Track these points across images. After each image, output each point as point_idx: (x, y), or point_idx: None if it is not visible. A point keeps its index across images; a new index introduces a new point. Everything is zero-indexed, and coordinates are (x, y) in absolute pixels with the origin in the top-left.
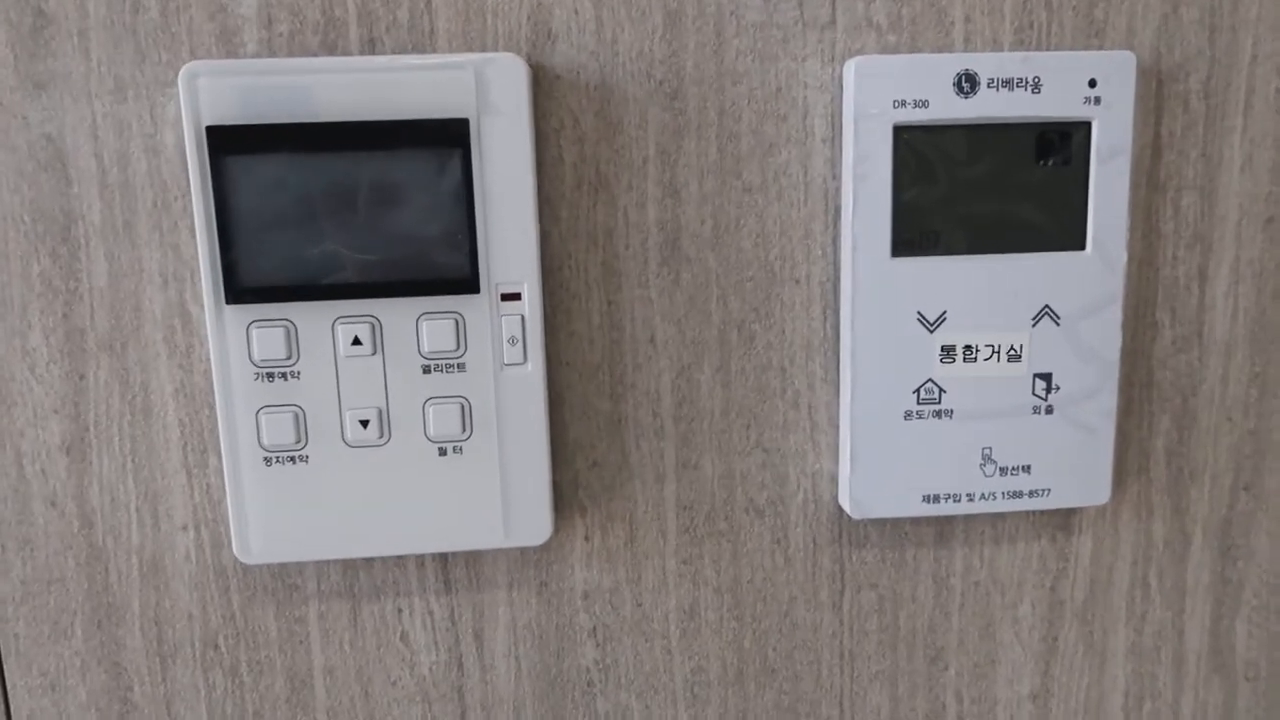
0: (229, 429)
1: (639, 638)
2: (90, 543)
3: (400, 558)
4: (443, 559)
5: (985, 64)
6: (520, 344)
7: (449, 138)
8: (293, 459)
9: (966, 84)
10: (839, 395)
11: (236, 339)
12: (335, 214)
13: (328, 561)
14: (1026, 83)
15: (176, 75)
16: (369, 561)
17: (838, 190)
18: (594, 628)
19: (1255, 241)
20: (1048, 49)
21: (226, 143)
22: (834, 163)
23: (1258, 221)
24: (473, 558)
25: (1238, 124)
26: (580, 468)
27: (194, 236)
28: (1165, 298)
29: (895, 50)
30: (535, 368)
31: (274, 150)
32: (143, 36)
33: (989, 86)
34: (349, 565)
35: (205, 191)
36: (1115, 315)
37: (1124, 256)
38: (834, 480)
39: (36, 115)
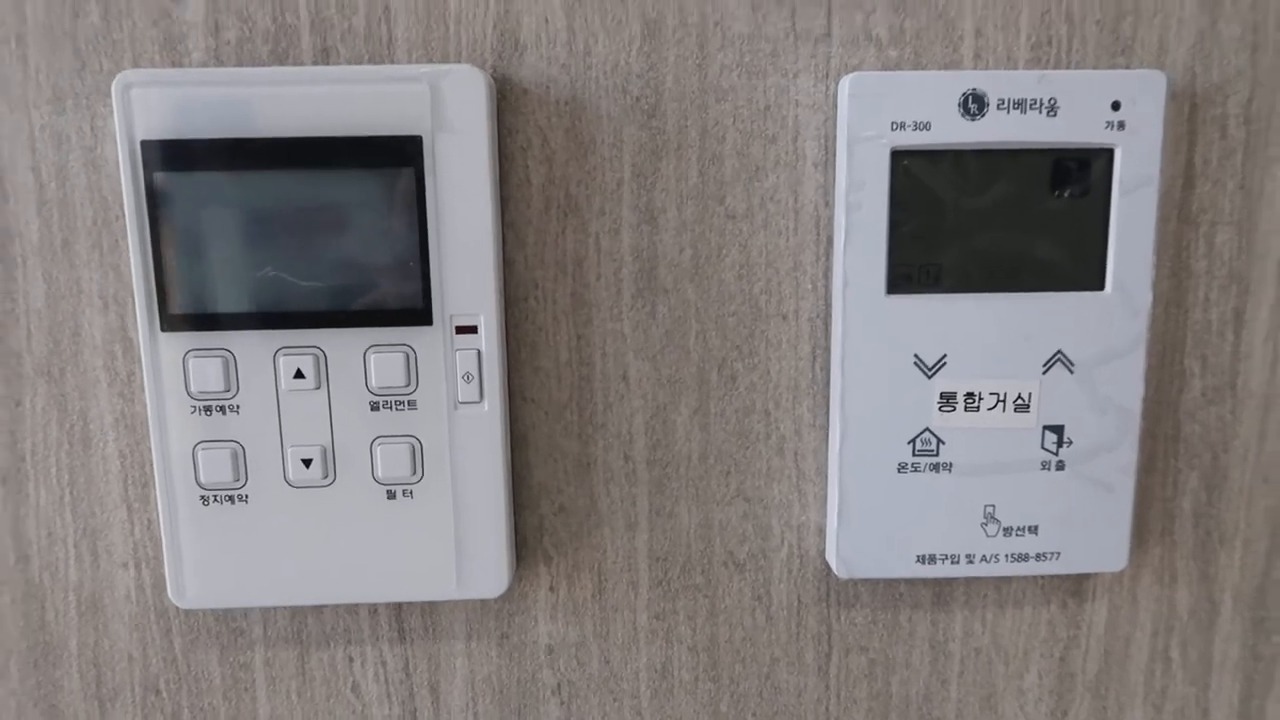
0: (164, 465)
1: (606, 697)
2: (26, 578)
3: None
4: (397, 606)
5: (995, 82)
6: (476, 381)
7: (400, 156)
8: (231, 498)
9: (974, 104)
10: (828, 442)
11: (172, 369)
12: (278, 237)
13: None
14: (1041, 104)
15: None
16: (318, 607)
17: (830, 219)
18: (558, 685)
19: None
20: (1068, 68)
21: (161, 159)
22: (827, 189)
23: None
24: (429, 606)
25: None
26: (545, 513)
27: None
28: (1195, 344)
29: (897, 66)
30: (492, 407)
31: (212, 167)
32: (83, 43)
33: (999, 108)
34: (297, 610)
35: (139, 210)
36: (1138, 363)
37: (1149, 298)
38: (821, 533)
39: None
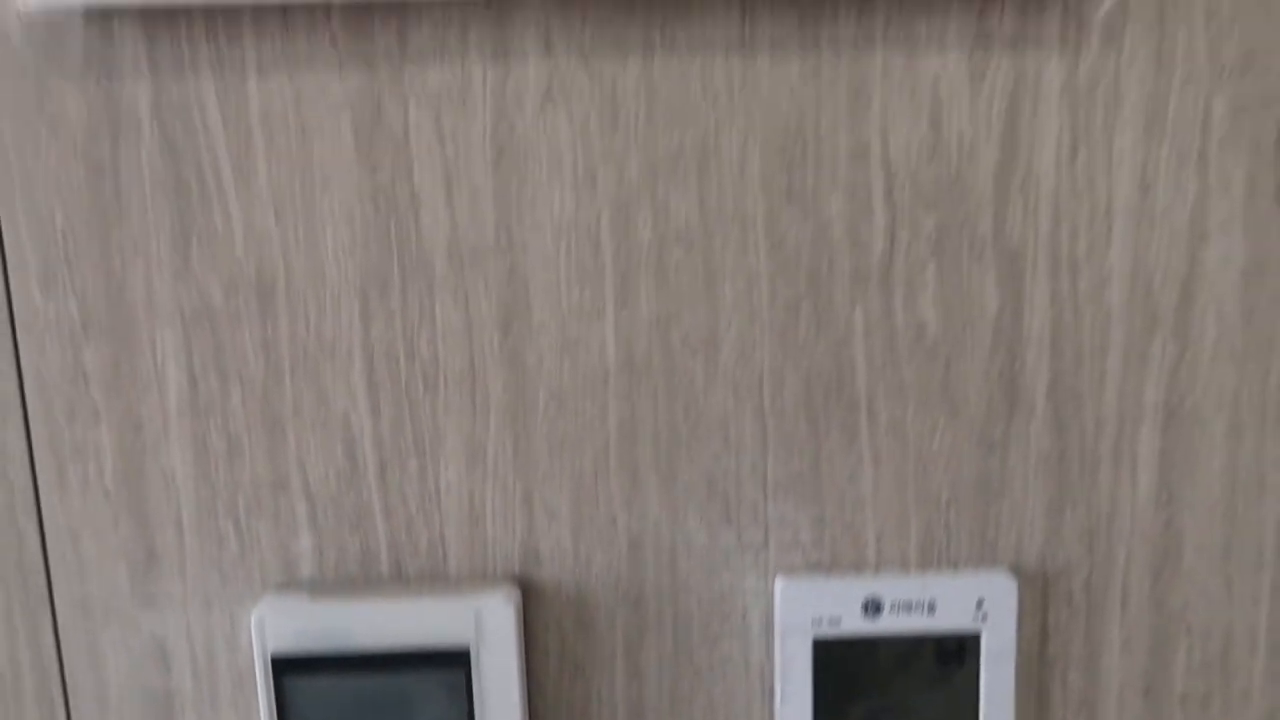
0: None
1: None
2: None
3: None
4: None
5: (888, 588)
6: None
7: (453, 663)
8: None
9: (872, 607)
10: None
11: None
12: (366, 714)
13: None
14: (923, 604)
15: (251, 593)
16: None
17: (773, 672)
18: None
19: (1135, 707)
20: (947, 561)
21: (287, 669)
22: (769, 652)
23: (1137, 691)
24: None
25: (1115, 616)
26: None
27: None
28: None
29: (818, 564)
30: None
31: (322, 673)
32: (226, 566)
33: (891, 609)
34: None
35: (269, 698)
36: None
37: None
38: None
39: (147, 622)
